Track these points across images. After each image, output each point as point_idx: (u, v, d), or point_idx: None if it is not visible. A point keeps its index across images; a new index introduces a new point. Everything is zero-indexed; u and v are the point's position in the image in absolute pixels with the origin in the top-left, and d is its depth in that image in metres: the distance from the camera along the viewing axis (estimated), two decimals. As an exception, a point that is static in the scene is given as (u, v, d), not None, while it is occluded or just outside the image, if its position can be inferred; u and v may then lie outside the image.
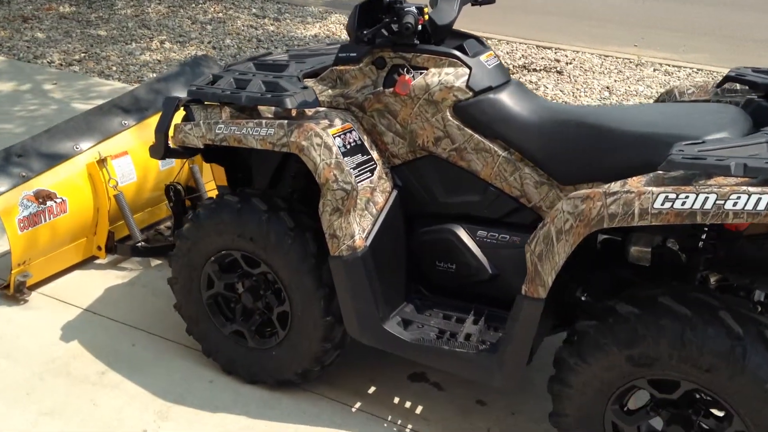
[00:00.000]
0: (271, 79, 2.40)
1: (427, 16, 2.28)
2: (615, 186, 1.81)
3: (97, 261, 3.33)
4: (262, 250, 2.39)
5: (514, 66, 6.46)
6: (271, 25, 7.55)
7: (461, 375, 2.25)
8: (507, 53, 6.82)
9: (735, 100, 2.31)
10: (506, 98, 2.27)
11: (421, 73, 2.30)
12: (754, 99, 2.22)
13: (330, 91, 2.43)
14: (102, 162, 3.19)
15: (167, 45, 6.84)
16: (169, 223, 3.51)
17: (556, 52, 6.87)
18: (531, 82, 6.02)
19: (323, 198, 2.22)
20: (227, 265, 2.56)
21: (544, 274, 1.93)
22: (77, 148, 3.17)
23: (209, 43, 6.92)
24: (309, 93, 2.32)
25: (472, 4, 2.63)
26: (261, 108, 2.41)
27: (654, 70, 6.47)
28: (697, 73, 6.40)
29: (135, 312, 2.99)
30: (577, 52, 6.89)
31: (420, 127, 2.31)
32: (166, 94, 3.53)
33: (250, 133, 2.29)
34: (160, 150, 2.53)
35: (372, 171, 2.32)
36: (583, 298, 2.23)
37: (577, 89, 5.93)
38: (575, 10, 8.50)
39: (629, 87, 6.01)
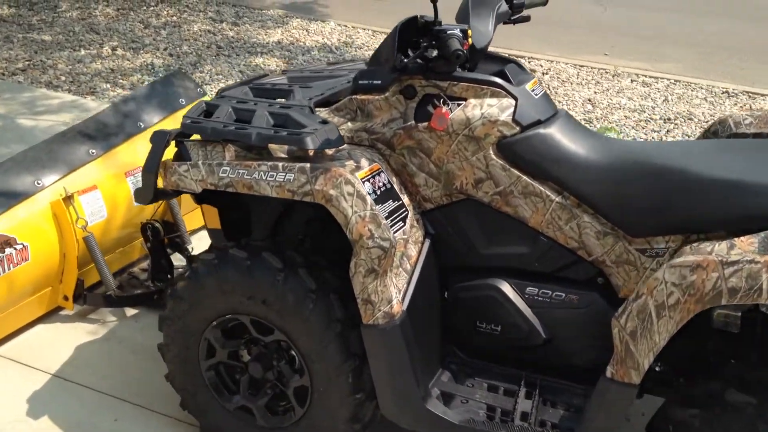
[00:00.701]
0: (278, 111, 2.04)
1: (470, 40, 1.95)
2: (733, 254, 1.51)
3: (63, 312, 2.90)
4: (276, 315, 2.03)
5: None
6: (230, 30, 7.11)
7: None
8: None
9: None
10: (558, 133, 1.96)
11: (458, 105, 1.97)
12: None
13: (350, 124, 2.09)
14: (68, 199, 2.76)
15: (119, 52, 6.33)
16: (144, 265, 3.10)
17: (530, 62, 6.63)
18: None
19: (356, 257, 1.87)
20: (231, 329, 2.19)
21: (639, 356, 1.63)
22: (38, 183, 2.74)
23: (165, 49, 6.44)
24: (331, 129, 1.97)
25: (505, 23, 2.33)
26: (272, 146, 2.05)
27: (631, 81, 6.29)
28: (675, 84, 6.24)
29: (114, 377, 2.57)
30: (551, 61, 6.66)
31: (458, 167, 1.99)
32: (136, 118, 3.13)
33: (264, 178, 1.93)
34: (149, 193, 2.14)
35: (404, 219, 1.99)
36: (657, 368, 1.93)
37: (559, 102, 5.69)
38: (540, 16, 8.32)
39: (611, 99, 5.80)
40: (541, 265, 2.04)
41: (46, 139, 2.93)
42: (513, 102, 1.95)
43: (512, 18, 2.35)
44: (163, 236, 2.94)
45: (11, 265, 2.58)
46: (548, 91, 5.92)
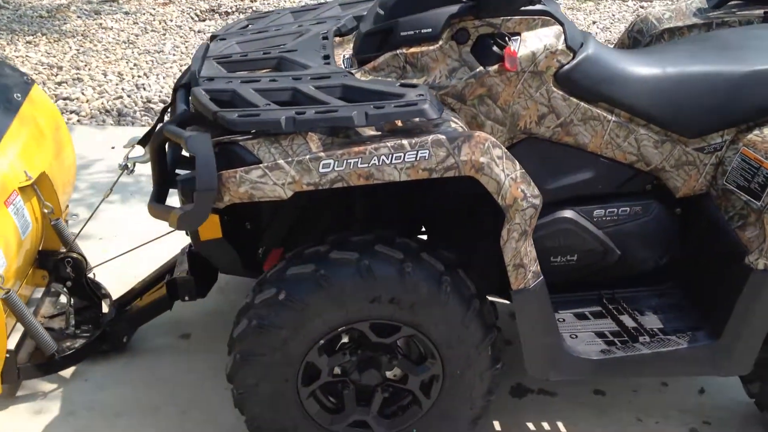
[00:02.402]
0: (334, 83, 1.77)
1: None
2: None
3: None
4: (407, 311, 1.80)
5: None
6: None
7: (674, 375, 2.03)
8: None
9: (734, 20, 2.37)
10: (600, 53, 1.99)
11: (515, 41, 1.89)
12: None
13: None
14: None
15: None
16: (50, 309, 2.43)
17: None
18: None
19: (509, 223, 1.73)
20: (333, 345, 1.89)
21: (798, 242, 1.80)
22: None
23: None
24: (428, 91, 1.76)
25: None
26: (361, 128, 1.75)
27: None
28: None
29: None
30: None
31: (523, 107, 1.93)
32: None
33: (388, 162, 1.66)
34: (204, 214, 1.69)
35: None
36: None
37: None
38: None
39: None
40: (603, 187, 2.09)
41: None
42: (561, 28, 1.92)
43: None
44: (86, 267, 2.34)
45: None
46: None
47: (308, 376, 1.89)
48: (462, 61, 1.87)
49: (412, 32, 1.86)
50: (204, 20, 5.88)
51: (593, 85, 1.94)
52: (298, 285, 1.76)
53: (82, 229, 2.49)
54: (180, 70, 4.72)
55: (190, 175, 1.69)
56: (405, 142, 1.66)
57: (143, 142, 2.22)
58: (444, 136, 1.67)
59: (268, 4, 6.20)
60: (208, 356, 2.41)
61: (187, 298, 2.28)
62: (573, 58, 1.91)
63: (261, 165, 1.66)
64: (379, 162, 1.66)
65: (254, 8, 6.07)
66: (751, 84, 1.98)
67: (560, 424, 2.25)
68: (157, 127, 1.93)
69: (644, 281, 2.20)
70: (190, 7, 6.09)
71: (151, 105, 4.34)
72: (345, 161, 1.65)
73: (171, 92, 2.54)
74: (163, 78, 4.74)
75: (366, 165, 1.65)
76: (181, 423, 2.19)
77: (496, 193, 1.70)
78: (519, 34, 1.88)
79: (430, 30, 1.85)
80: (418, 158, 1.66)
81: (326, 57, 1.98)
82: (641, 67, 2.01)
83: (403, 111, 1.66)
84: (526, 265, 1.78)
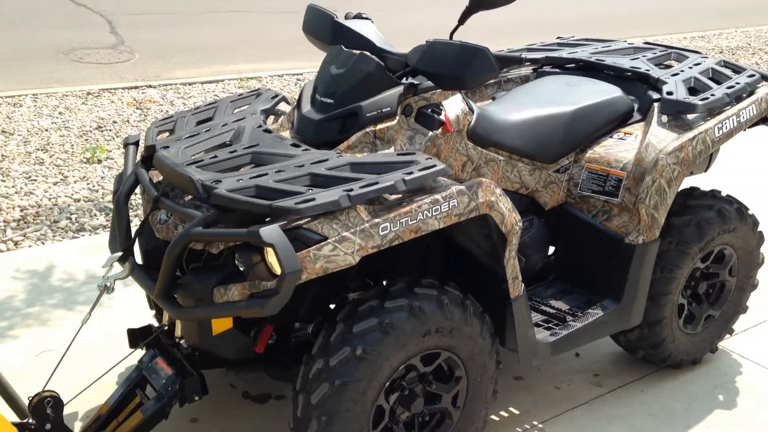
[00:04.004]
0: (363, 161, 2.08)
1: None
2: (694, 132, 2.58)
3: None
4: (447, 336, 2.15)
5: None
6: None
7: (599, 337, 2.65)
8: None
9: (514, 77, 3.16)
10: (484, 110, 2.57)
11: (441, 109, 2.39)
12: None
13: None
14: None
15: None
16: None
17: None
18: None
19: (509, 245, 2.19)
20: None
21: (660, 218, 2.55)
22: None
23: None
24: (423, 154, 2.14)
25: None
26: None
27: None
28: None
29: None
30: None
31: (454, 159, 2.42)
32: None
33: (430, 215, 2.01)
34: (288, 296, 1.85)
35: None
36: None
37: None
38: None
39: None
40: None
41: None
42: (460, 95, 2.46)
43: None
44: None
45: None
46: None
47: (375, 419, 2.10)
48: (414, 130, 2.28)
49: (375, 112, 2.21)
50: None
51: (487, 135, 2.48)
52: (368, 337, 2.00)
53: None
54: None
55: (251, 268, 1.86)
56: (438, 196, 2.02)
57: (123, 259, 2.17)
58: (463, 186, 2.07)
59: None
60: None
61: (197, 398, 2.27)
62: (468, 115, 2.44)
63: (330, 240, 1.88)
64: (423, 216, 1.99)
65: None
66: (577, 119, 2.70)
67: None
68: (177, 235, 1.96)
69: (535, 279, 2.80)
70: None
71: None
72: (398, 221, 1.96)
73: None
74: None
75: (414, 221, 1.98)
76: None
77: (500, 223, 2.14)
78: (439, 104, 2.35)
79: (389, 108, 2.23)
80: (450, 207, 2.03)
81: (295, 145, 2.20)
82: (507, 116, 2.60)
83: (431, 172, 2.02)
84: (518, 277, 2.25)
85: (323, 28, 2.50)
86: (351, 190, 1.91)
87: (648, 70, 2.94)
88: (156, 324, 2.60)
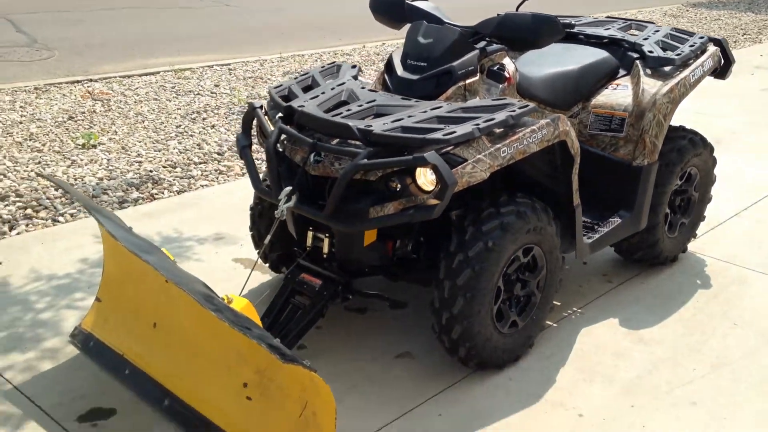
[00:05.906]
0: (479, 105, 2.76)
1: None
2: (677, 79, 3.43)
3: None
4: (538, 234, 2.87)
5: None
6: None
7: (620, 238, 3.45)
8: None
9: None
10: (519, 66, 3.33)
11: (505, 66, 3.12)
12: None
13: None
14: None
15: None
16: None
17: None
18: None
19: (575, 165, 2.94)
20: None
21: (659, 144, 3.40)
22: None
23: None
24: (513, 99, 2.86)
25: None
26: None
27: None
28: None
29: None
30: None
31: None
32: None
33: (532, 141, 2.72)
34: (446, 204, 2.52)
35: None
36: None
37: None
38: None
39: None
40: None
41: None
42: (508, 56, 3.20)
43: None
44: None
45: None
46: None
47: (495, 297, 2.82)
48: (488, 84, 2.99)
49: (464, 71, 2.91)
50: None
51: (524, 89, 3.24)
52: (494, 234, 2.69)
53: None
54: None
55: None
56: (534, 127, 2.74)
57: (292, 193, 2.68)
58: (547, 120, 2.80)
59: None
60: None
61: (350, 297, 2.90)
62: (517, 72, 3.18)
63: (470, 161, 2.56)
64: (527, 142, 2.71)
65: None
66: (583, 74, 3.52)
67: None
68: (349, 165, 2.55)
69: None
70: None
71: None
72: (512, 146, 2.67)
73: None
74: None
75: (521, 145, 2.69)
76: None
77: (571, 147, 2.89)
78: (503, 63, 3.07)
79: (473, 67, 2.93)
80: (542, 135, 2.76)
81: (405, 99, 2.85)
82: (534, 74, 3.35)
83: (528, 110, 2.73)
84: (578, 189, 3.02)
85: (394, 9, 3.16)
86: (478, 124, 2.60)
87: (623, 37, 3.77)
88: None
